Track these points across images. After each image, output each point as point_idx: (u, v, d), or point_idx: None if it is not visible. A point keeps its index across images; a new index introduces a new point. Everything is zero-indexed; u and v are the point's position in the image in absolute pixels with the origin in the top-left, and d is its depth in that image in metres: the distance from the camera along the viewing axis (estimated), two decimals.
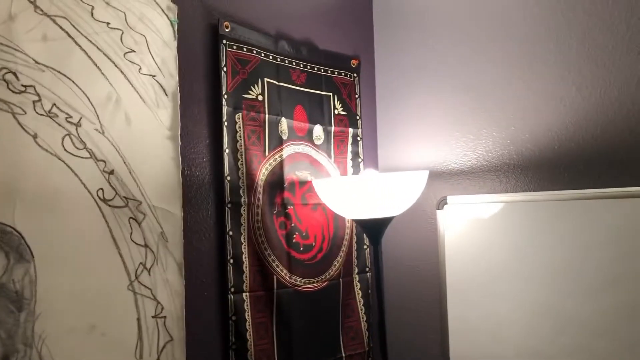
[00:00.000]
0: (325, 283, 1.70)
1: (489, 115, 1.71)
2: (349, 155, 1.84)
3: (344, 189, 1.58)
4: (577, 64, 1.54)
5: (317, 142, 1.74)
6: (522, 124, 1.64)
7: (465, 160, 1.77)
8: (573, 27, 1.54)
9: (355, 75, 1.89)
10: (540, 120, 1.60)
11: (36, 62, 1.14)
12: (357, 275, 1.82)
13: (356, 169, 1.86)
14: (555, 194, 1.56)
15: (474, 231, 1.71)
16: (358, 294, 1.81)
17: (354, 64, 1.89)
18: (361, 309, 1.81)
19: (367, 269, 1.86)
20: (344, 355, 1.74)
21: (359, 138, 1.88)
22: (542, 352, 1.56)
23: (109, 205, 1.24)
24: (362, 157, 1.88)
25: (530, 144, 1.62)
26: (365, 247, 1.86)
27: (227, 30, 1.50)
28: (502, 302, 1.64)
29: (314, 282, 1.66)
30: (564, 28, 1.56)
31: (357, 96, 1.89)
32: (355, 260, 1.82)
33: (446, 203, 1.78)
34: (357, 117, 1.89)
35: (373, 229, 1.62)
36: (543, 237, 1.57)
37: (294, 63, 1.69)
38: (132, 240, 1.27)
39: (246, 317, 1.47)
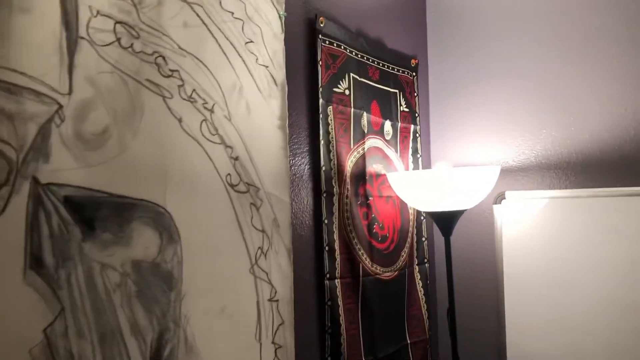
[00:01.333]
0: (397, 272, 1.77)
1: (548, 116, 1.83)
2: (410, 151, 1.92)
3: (421, 183, 1.65)
4: (638, 71, 1.67)
5: (387, 137, 1.81)
6: (582, 125, 1.76)
7: (523, 158, 1.87)
8: (636, 35, 1.67)
9: (414, 74, 1.98)
10: (601, 122, 1.73)
11: (180, 47, 1.16)
12: (417, 266, 1.90)
13: (415, 164, 1.94)
14: (617, 191, 1.68)
15: (532, 226, 1.81)
16: (418, 284, 1.89)
17: (413, 64, 1.98)
18: (422, 298, 1.89)
19: (426, 261, 1.94)
20: (409, 342, 1.81)
21: (417, 134, 1.96)
22: (601, 343, 1.68)
23: (235, 191, 1.27)
24: (420, 153, 1.97)
25: (591, 144, 1.75)
26: (423, 239, 1.94)
27: (322, 25, 1.55)
28: (560, 295, 1.75)
29: (389, 271, 1.73)
30: (627, 35, 1.68)
31: (416, 94, 1.97)
32: (416, 252, 1.90)
33: (504, 198, 1.88)
34: (417, 115, 1.97)
35: (446, 221, 1.70)
36: (603, 232, 1.69)
37: (370, 60, 1.76)
38: (253, 226, 1.31)
39: (339, 302, 1.53)
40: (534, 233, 1.81)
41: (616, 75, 1.71)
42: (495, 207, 1.90)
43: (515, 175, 1.88)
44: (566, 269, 1.75)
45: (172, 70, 1.15)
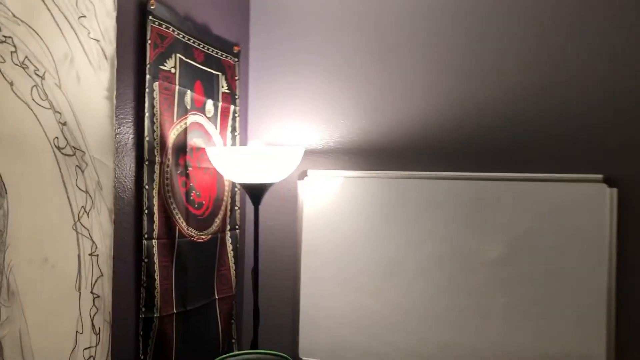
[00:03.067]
0: (210, 236, 1.99)
1: (346, 109, 2.17)
2: (229, 129, 2.14)
3: (235, 158, 1.89)
4: (421, 75, 2.07)
5: (209, 115, 2.01)
6: (371, 118, 2.13)
7: (324, 142, 2.20)
8: (418, 40, 2.07)
9: (236, 59, 2.19)
10: (388, 117, 2.11)
11: (14, 15, 1.25)
12: (229, 232, 2.14)
13: (233, 141, 2.17)
14: (398, 174, 2.08)
15: (329, 200, 2.15)
16: (229, 247, 2.14)
17: (236, 50, 2.19)
18: (231, 260, 2.14)
19: (237, 227, 2.19)
20: (217, 297, 2.05)
21: (236, 115, 2.19)
22: (377, 298, 2.08)
23: (62, 153, 1.38)
24: (238, 131, 2.20)
25: (377, 134, 2.12)
26: (236, 208, 2.18)
27: (152, 7, 1.69)
28: (347, 259, 2.12)
29: (203, 235, 1.94)
30: (411, 41, 2.08)
31: (237, 78, 2.20)
32: (229, 219, 2.14)
33: (306, 175, 2.19)
34: (237, 97, 2.19)
35: (255, 192, 1.96)
36: (384, 207, 2.08)
37: (196, 43, 1.93)
38: (77, 186, 1.43)
39: (155, 260, 1.70)
40: (330, 206, 2.15)
41: (402, 78, 2.09)
42: (299, 182, 2.21)
43: (318, 156, 2.21)
44: (354, 237, 2.12)
45: (5, 37, 1.23)
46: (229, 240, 2.14)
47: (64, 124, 1.39)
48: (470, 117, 2.02)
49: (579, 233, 1.82)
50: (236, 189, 2.19)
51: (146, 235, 1.68)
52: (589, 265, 1.81)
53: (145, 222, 1.67)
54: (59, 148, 1.37)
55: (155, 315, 1.70)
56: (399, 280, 2.06)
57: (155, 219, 1.71)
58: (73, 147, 1.42)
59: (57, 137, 1.37)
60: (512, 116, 1.96)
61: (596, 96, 1.85)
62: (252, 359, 1.67)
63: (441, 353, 1.99)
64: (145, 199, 1.68)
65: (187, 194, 1.86)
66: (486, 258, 1.95)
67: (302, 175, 2.19)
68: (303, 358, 2.15)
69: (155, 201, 1.72)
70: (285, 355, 1.72)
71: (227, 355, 1.69)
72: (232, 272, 2.15)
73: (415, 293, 2.03)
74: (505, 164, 1.96)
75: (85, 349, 1.46)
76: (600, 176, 1.80)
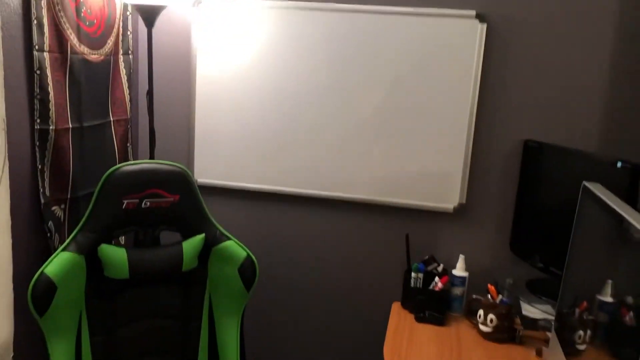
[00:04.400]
0: (103, 57, 1.99)
1: None
2: None
3: None
4: None
5: None
6: None
7: None
8: None
9: None
10: None
11: None
12: (122, 56, 2.14)
13: None
14: (290, 4, 2.14)
15: (223, 28, 2.19)
16: (122, 71, 2.15)
17: None
18: (125, 84, 2.17)
19: (130, 51, 2.18)
20: (112, 119, 2.10)
21: None
22: (265, 123, 2.23)
23: None
24: None
25: None
26: (129, 32, 2.16)
27: None
28: (239, 87, 2.22)
29: (95, 54, 1.94)
30: None
31: None
32: (121, 43, 2.12)
33: (201, 2, 2.20)
34: None
35: (148, 13, 1.95)
36: (277, 37, 2.16)
37: None
38: None
39: (47, 73, 1.71)
40: (224, 35, 2.20)
41: None
42: (194, 9, 2.21)
43: None
44: (247, 67, 2.21)
45: None
46: (122, 65, 2.14)
47: None
48: None
49: (449, 65, 2.04)
50: (128, 13, 2.15)
51: (37, 47, 1.66)
52: (455, 94, 2.05)
53: (34, 33, 1.65)
54: None
55: (50, 127, 1.74)
56: (286, 109, 2.21)
57: (45, 31, 1.68)
58: None
59: None
60: None
61: None
62: (151, 166, 1.78)
63: (324, 177, 2.22)
64: (33, 9, 1.63)
65: (78, 10, 1.82)
66: (364, 89, 2.13)
67: (197, 2, 2.19)
68: (198, 180, 2.31)
69: (45, 12, 1.68)
70: (183, 166, 1.84)
71: (127, 163, 1.78)
72: (127, 96, 2.18)
73: (302, 122, 2.20)
74: None
75: None
76: (473, 12, 1.99)
